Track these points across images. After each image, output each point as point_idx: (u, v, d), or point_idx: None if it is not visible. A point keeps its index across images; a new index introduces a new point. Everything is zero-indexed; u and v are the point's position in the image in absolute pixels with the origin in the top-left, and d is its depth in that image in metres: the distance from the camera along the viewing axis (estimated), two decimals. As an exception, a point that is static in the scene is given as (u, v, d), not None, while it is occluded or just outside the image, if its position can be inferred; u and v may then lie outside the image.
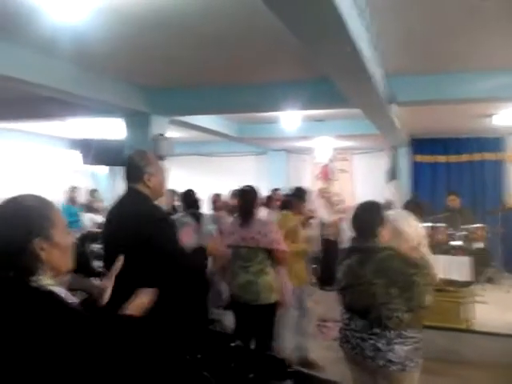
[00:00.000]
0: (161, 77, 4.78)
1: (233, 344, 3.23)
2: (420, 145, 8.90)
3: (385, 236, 2.63)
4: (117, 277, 1.87)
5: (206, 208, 8.47)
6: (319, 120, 7.16)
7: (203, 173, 10.19)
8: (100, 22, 3.15)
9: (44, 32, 3.30)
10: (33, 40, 3.53)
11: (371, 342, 2.53)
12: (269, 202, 7.54)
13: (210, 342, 3.27)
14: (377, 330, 2.52)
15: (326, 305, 6.76)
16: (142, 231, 2.38)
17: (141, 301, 1.78)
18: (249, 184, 3.96)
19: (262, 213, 6.33)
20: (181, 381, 2.69)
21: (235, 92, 4.99)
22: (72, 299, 1.48)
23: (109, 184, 10.76)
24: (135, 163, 2.59)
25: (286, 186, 9.36)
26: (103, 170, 10.71)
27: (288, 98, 4.74)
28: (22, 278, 1.34)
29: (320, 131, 7.55)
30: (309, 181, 9.91)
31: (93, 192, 8.84)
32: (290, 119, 6.64)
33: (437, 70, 4.40)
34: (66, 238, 1.47)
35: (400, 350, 2.48)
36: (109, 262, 2.73)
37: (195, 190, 5.44)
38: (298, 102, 4.76)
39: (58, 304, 1.36)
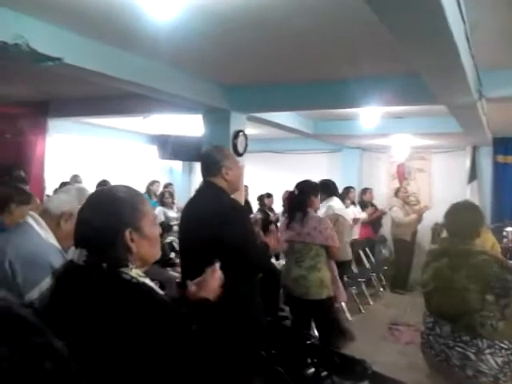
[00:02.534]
0: (241, 73, 4.82)
1: (308, 342, 3.22)
2: (503, 144, 8.41)
3: (482, 239, 2.52)
4: (194, 270, 1.89)
5: (278, 205, 8.55)
6: (398, 117, 6.94)
7: (276, 170, 10.20)
8: (186, 20, 3.21)
9: (132, 30, 3.41)
10: (121, 37, 3.66)
11: (459, 349, 2.40)
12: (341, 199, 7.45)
13: (285, 339, 3.27)
14: (466, 338, 2.39)
15: (398, 308, 6.61)
16: (219, 223, 2.42)
17: (213, 283, 1.75)
18: (306, 180, 3.98)
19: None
20: (255, 375, 2.70)
21: (315, 88, 4.92)
22: (160, 291, 1.51)
23: (184, 179, 11.07)
24: (213, 157, 2.66)
25: (359, 184, 9.21)
26: (179, 165, 11.02)
27: (371, 93, 4.61)
28: (114, 270, 1.36)
29: (398, 129, 7.31)
30: (383, 180, 9.67)
31: (167, 186, 9.13)
32: (368, 116, 6.50)
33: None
34: (155, 230, 1.50)
35: (492, 360, 2.32)
36: (185, 253, 2.81)
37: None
38: (382, 98, 4.62)
39: (148, 296, 1.38)
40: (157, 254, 1.52)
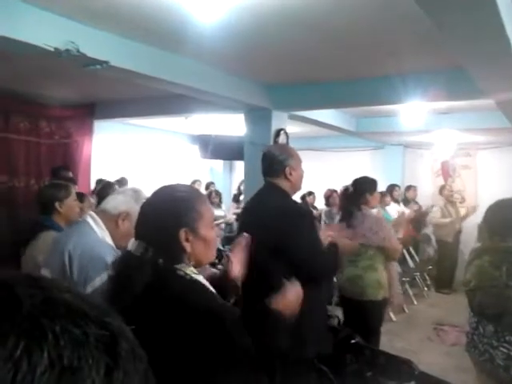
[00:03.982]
0: (281, 72, 4.83)
1: (353, 341, 3.18)
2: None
3: None
4: (253, 278, 1.87)
5: (319, 203, 8.51)
6: (442, 113, 6.77)
7: (318, 167, 10.13)
8: (228, 22, 3.24)
9: (175, 32, 3.48)
10: (164, 39, 3.73)
11: (503, 350, 2.34)
12: (383, 197, 7.34)
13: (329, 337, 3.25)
14: (510, 338, 2.33)
15: (443, 308, 6.46)
16: (284, 231, 2.31)
17: (290, 298, 1.73)
18: (364, 176, 3.86)
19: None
20: (299, 373, 2.70)
21: (357, 85, 4.87)
22: (212, 289, 1.52)
23: (225, 178, 11.17)
24: (275, 156, 2.51)
25: (402, 182, 9.04)
26: (220, 164, 11.13)
27: (414, 89, 4.52)
28: (169, 265, 1.40)
29: (442, 124, 7.12)
30: (427, 177, 9.44)
31: (209, 185, 9.23)
32: (410, 112, 6.37)
33: None
34: (211, 232, 1.50)
35: None
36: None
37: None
38: (426, 94, 4.52)
39: (202, 292, 1.41)
40: (211, 256, 1.53)
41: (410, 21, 2.94)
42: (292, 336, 2.28)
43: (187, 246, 1.41)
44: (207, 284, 1.51)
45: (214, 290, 1.52)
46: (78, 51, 3.16)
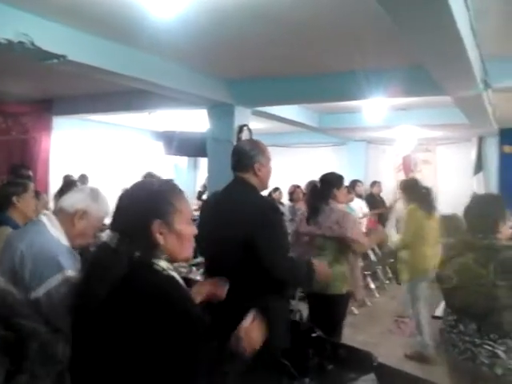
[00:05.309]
0: (245, 68, 4.82)
1: (314, 334, 3.21)
2: (510, 135, 8.34)
3: (505, 233, 2.42)
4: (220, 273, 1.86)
5: (284, 199, 8.55)
6: (402, 109, 6.91)
7: (282, 164, 10.17)
8: (188, 17, 3.21)
9: (135, 26, 3.42)
10: (124, 34, 3.68)
11: (487, 347, 2.31)
12: (347, 193, 7.43)
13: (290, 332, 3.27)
14: (494, 336, 2.30)
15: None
16: (253, 221, 2.28)
17: (254, 336, 1.68)
18: (331, 172, 3.88)
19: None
20: (259, 368, 2.70)
21: (320, 81, 4.92)
22: (186, 287, 1.52)
23: (189, 175, 11.10)
24: (246, 151, 2.49)
25: (365, 177, 9.18)
26: (184, 161, 11.05)
27: (376, 86, 4.59)
28: (145, 259, 1.39)
29: (403, 120, 7.28)
30: (389, 172, 9.63)
31: (168, 181, 9.12)
32: (372, 108, 6.47)
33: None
34: (188, 228, 1.48)
35: None
36: (211, 254, 2.69)
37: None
38: (387, 90, 4.61)
39: (178, 290, 1.40)
40: (187, 252, 1.51)
41: (374, 17, 2.97)
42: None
43: (160, 239, 1.39)
44: (182, 282, 1.49)
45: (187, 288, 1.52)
46: (33, 44, 3.07)
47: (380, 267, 7.56)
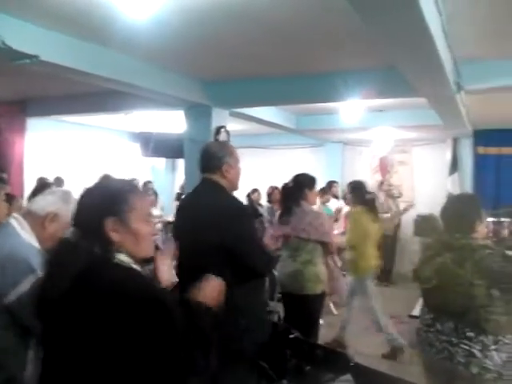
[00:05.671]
0: (222, 69, 4.81)
1: (291, 336, 3.21)
2: (484, 136, 8.48)
3: (481, 232, 2.47)
4: (193, 272, 1.88)
5: (263, 200, 8.56)
6: (379, 110, 6.99)
7: (261, 165, 10.21)
8: (164, 18, 3.20)
9: (109, 27, 3.38)
10: (98, 35, 3.63)
11: (464, 346, 2.34)
12: (323, 193, 7.51)
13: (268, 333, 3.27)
14: (471, 334, 2.33)
15: (382, 300, 6.67)
16: (225, 225, 2.30)
17: (211, 293, 1.72)
18: (303, 173, 3.91)
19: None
20: (238, 370, 2.69)
21: (297, 82, 4.93)
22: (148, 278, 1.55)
23: (167, 177, 11.01)
24: (214, 153, 2.50)
25: (342, 178, 9.26)
26: (161, 163, 10.95)
27: (353, 87, 4.64)
28: (105, 254, 1.41)
29: (379, 122, 7.36)
30: (366, 173, 9.71)
31: (146, 184, 9.08)
32: (349, 110, 6.53)
33: (509, 55, 4.15)
34: (144, 227, 1.49)
35: (497, 356, 2.29)
36: (185, 254, 2.70)
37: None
38: (362, 92, 4.65)
39: (140, 278, 1.43)
40: (146, 250, 1.52)
41: (350, 19, 2.97)
42: (228, 327, 2.25)
43: (114, 236, 1.42)
44: (145, 274, 1.52)
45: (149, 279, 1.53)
46: (4, 44, 3.01)
47: (358, 267, 7.61)
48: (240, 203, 2.53)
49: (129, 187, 1.52)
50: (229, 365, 2.44)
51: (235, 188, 2.60)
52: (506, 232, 5.66)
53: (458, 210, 2.50)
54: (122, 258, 1.43)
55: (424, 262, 2.59)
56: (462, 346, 2.34)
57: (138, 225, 1.46)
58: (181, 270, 2.68)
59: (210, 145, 2.67)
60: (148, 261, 1.63)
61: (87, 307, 1.32)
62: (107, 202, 1.44)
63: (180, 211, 2.72)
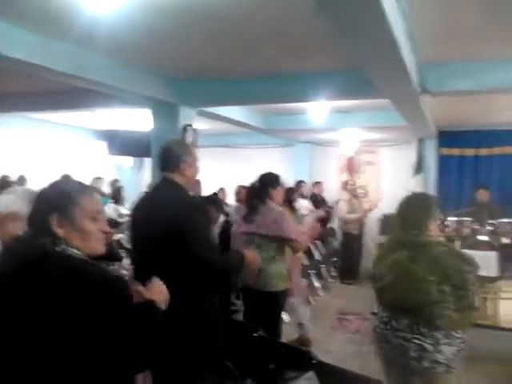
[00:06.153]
0: (189, 68, 4.78)
1: (255, 334, 3.23)
2: (447, 137, 8.71)
3: (434, 230, 2.53)
4: (149, 271, 1.88)
5: (231, 199, 8.55)
6: (346, 111, 7.08)
7: (228, 164, 10.22)
8: (131, 14, 3.15)
9: (77, 24, 3.30)
10: (66, 31, 3.54)
11: (416, 342, 2.41)
12: (290, 193, 7.56)
13: (231, 332, 3.27)
14: (424, 330, 2.41)
15: (347, 298, 6.78)
16: (178, 219, 2.32)
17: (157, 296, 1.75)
18: (268, 172, 3.95)
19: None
20: (202, 370, 2.69)
21: (263, 82, 4.95)
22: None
23: (134, 176, 10.86)
24: (173, 151, 2.54)
25: (310, 178, 9.35)
26: (128, 162, 10.81)
27: (318, 88, 4.68)
28: (54, 249, 1.46)
29: (346, 123, 7.47)
30: (333, 173, 9.84)
31: (114, 182, 8.98)
32: (316, 110, 6.59)
33: (473, 57, 4.25)
34: (90, 224, 1.53)
35: (447, 350, 2.38)
36: (140, 254, 2.70)
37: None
38: (327, 93, 4.71)
39: (93, 265, 1.47)
40: (94, 248, 1.55)
41: (315, 19, 2.99)
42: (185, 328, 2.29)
43: (60, 232, 1.46)
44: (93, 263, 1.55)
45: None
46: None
47: (324, 266, 7.71)
48: (194, 200, 2.58)
49: (76, 185, 1.60)
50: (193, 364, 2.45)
51: (192, 187, 2.66)
52: (467, 231, 5.80)
53: (413, 209, 2.56)
54: (74, 250, 1.48)
55: (378, 260, 2.65)
56: (415, 341, 2.41)
57: (84, 222, 1.51)
58: (136, 267, 2.69)
59: (169, 143, 2.69)
60: (102, 258, 1.65)
61: (37, 291, 1.37)
62: (53, 200, 1.50)
63: (137, 208, 2.72)
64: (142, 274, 1.94)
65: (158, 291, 1.75)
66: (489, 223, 5.78)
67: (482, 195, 6.65)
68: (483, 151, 8.53)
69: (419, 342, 2.40)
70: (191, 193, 2.65)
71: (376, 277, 2.62)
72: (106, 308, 1.38)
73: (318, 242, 8.02)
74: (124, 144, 8.25)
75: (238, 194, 8.09)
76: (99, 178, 8.73)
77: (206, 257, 2.38)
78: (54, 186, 1.58)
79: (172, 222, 2.31)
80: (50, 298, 1.36)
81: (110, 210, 7.57)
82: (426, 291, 2.35)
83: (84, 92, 5.21)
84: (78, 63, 4.02)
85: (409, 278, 2.41)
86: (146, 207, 2.61)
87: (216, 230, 6.00)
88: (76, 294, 1.36)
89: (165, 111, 5.36)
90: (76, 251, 1.48)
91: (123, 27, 3.43)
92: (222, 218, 6.61)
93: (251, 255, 2.92)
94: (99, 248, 1.58)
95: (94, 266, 1.47)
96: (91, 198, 1.58)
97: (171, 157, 2.53)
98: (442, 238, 2.68)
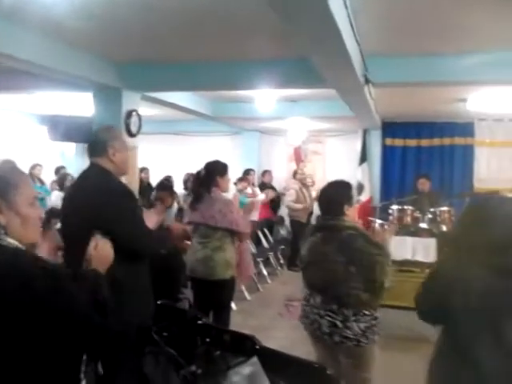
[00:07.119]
0: (133, 51, 4.64)
1: (200, 322, 3.23)
2: (391, 128, 8.99)
3: (351, 215, 2.70)
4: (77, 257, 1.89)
5: (179, 187, 8.46)
6: (293, 100, 7.13)
7: (177, 152, 10.10)
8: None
9: (14, 0, 3.15)
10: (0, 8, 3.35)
11: (328, 318, 2.62)
12: (239, 182, 7.58)
13: (175, 320, 3.26)
14: (334, 307, 2.60)
15: (294, 285, 6.88)
16: (103, 207, 2.33)
17: (103, 253, 1.87)
18: (215, 160, 3.93)
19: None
20: (146, 357, 2.67)
21: (210, 69, 4.88)
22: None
23: (77, 162, 10.51)
24: (100, 137, 2.55)
25: (258, 166, 9.39)
26: (72, 148, 10.46)
27: (264, 76, 4.67)
28: None
29: (294, 112, 7.52)
30: (281, 162, 9.92)
31: (59, 169, 8.69)
32: (264, 99, 6.59)
33: (414, 50, 4.37)
34: (30, 210, 1.51)
35: (356, 327, 2.58)
36: (68, 240, 2.65)
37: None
38: (273, 81, 4.71)
39: (30, 257, 1.44)
40: (31, 235, 1.53)
41: (263, 7, 2.97)
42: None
43: (1, 219, 1.43)
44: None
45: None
46: None
47: (272, 254, 7.79)
48: (122, 186, 2.56)
49: (15, 171, 1.55)
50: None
51: (124, 172, 2.66)
52: (408, 219, 5.99)
53: (331, 195, 2.73)
54: (10, 241, 1.43)
55: (302, 244, 2.84)
56: (327, 317, 2.62)
57: (23, 207, 1.48)
58: (65, 250, 2.65)
59: (97, 129, 2.74)
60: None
61: None
62: None
63: (66, 194, 2.75)
64: (73, 264, 1.92)
65: (96, 256, 1.82)
66: (429, 211, 6.00)
67: (423, 184, 6.89)
68: (424, 142, 8.85)
69: (330, 319, 2.61)
70: (122, 179, 2.64)
71: (301, 258, 2.83)
72: (44, 299, 1.36)
73: (266, 231, 8.09)
74: (66, 129, 7.92)
75: (185, 182, 8.02)
76: (38, 165, 8.44)
77: (135, 248, 2.42)
78: None
79: (97, 209, 2.31)
80: None
81: (55, 197, 7.33)
82: (334, 271, 2.55)
83: (22, 74, 4.96)
84: (12, 43, 3.78)
85: (320, 259, 2.62)
86: (73, 193, 2.62)
87: (172, 216, 5.94)
88: (15, 287, 1.33)
89: (107, 95, 5.18)
90: (15, 242, 1.44)
91: (63, 6, 3.26)
92: (175, 206, 6.55)
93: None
94: (36, 236, 1.57)
95: (29, 256, 1.44)
96: (28, 183, 1.57)
97: (98, 142, 2.52)
98: (358, 223, 2.88)
